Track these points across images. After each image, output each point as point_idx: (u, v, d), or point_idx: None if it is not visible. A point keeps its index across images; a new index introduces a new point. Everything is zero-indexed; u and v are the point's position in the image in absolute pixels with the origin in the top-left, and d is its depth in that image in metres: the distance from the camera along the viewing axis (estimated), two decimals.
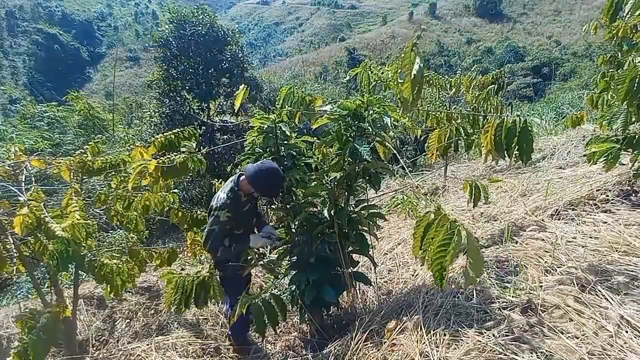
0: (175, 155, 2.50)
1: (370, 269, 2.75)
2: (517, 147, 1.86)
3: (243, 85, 2.55)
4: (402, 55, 1.72)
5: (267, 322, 1.96)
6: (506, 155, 1.90)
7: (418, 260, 1.53)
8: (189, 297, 2.14)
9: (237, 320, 2.40)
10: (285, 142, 2.44)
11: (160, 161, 2.41)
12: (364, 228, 2.33)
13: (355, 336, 1.87)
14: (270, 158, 2.40)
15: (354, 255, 2.52)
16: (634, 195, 2.52)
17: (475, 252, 1.30)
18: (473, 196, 2.10)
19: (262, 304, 1.96)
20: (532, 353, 1.38)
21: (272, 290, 3.03)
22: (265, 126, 2.37)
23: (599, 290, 1.63)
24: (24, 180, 2.25)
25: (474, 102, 4.23)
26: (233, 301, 2.54)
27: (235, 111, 2.52)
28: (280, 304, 2.07)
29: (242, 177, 2.34)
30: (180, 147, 2.60)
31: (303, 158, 2.45)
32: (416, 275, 2.57)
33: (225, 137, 12.14)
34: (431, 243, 1.39)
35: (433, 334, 1.60)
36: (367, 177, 2.24)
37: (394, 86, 2.39)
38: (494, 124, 1.90)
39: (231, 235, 2.34)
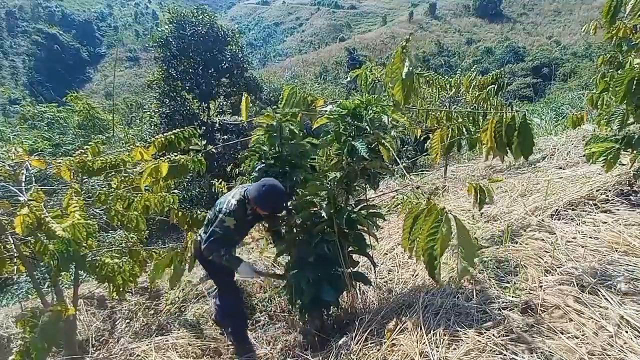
0: (176, 156, 2.51)
1: (370, 269, 2.75)
2: (517, 142, 1.85)
3: (244, 94, 2.56)
4: (392, 59, 1.73)
5: None
6: (507, 150, 1.89)
7: (411, 255, 1.50)
8: None
9: (235, 320, 2.41)
10: (290, 141, 2.44)
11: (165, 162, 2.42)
12: (363, 228, 2.33)
13: (355, 336, 1.86)
14: (273, 158, 2.42)
15: (354, 255, 2.52)
16: (633, 195, 2.52)
17: (466, 240, 1.27)
18: (478, 199, 2.08)
19: None
20: (531, 353, 1.38)
21: (271, 290, 3.02)
22: (271, 125, 2.38)
23: (599, 290, 1.63)
24: (24, 180, 2.25)
25: (473, 102, 4.23)
26: (224, 301, 2.57)
27: (244, 121, 2.53)
28: None
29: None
30: (181, 147, 2.61)
31: (307, 159, 2.46)
32: (416, 275, 2.58)
33: (225, 137, 12.12)
34: (420, 233, 1.36)
35: (433, 334, 1.60)
36: (366, 177, 2.24)
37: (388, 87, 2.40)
38: (494, 120, 1.90)
39: (229, 243, 2.44)
